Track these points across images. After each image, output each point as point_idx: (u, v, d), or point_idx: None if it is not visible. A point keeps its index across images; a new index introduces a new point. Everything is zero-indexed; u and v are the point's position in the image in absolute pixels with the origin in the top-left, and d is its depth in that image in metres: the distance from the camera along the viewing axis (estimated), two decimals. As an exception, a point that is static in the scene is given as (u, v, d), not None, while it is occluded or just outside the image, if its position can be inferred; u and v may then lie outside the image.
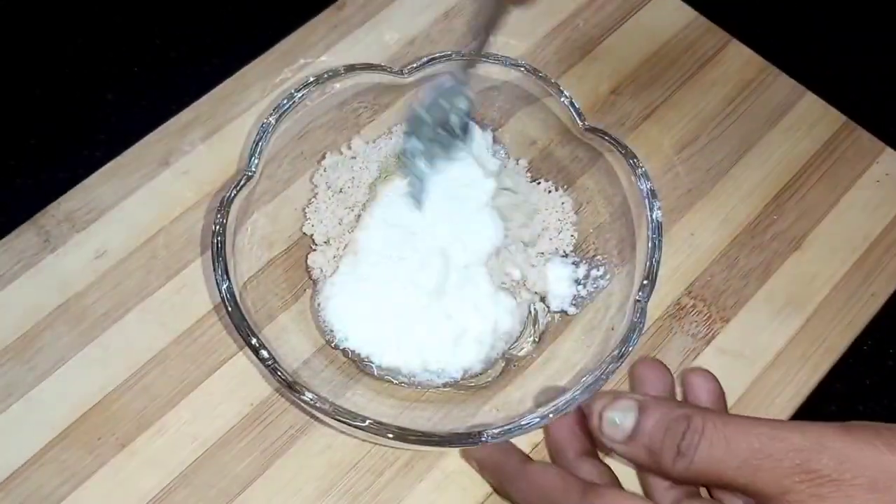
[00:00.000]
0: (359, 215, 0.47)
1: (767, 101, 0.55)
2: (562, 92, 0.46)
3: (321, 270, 0.46)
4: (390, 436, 0.38)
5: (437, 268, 0.44)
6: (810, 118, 0.54)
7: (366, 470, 0.44)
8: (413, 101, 0.46)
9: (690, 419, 0.34)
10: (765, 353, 0.48)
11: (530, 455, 0.42)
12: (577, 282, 0.47)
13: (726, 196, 0.52)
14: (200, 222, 0.49)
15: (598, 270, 0.47)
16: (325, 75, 0.45)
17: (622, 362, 0.39)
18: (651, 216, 0.43)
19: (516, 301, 0.45)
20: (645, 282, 0.42)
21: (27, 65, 0.57)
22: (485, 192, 0.46)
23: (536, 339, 0.46)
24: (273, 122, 0.44)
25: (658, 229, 0.43)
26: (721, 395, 0.40)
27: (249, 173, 0.43)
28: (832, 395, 0.49)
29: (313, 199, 0.48)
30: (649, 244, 0.42)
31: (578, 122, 0.46)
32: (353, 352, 0.44)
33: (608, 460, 0.40)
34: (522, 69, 0.47)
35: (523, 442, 0.44)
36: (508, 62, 0.47)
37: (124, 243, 0.48)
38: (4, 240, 0.48)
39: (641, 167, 0.44)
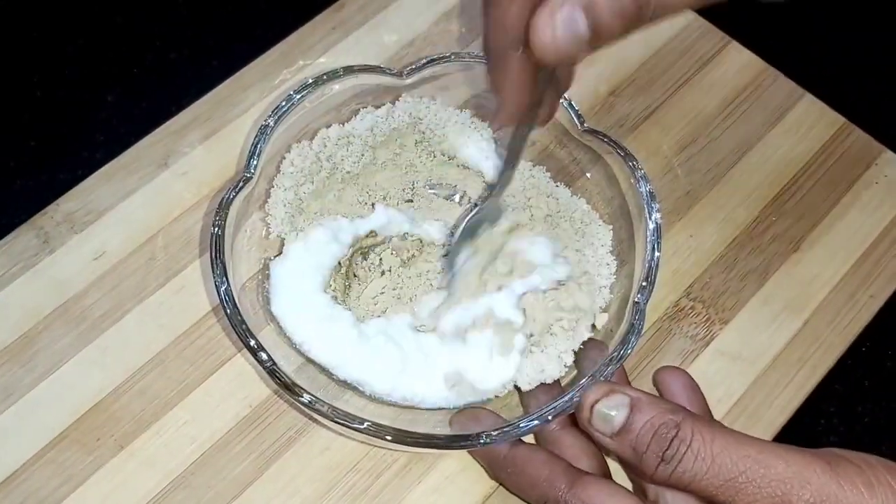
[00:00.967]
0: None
1: (766, 102, 0.55)
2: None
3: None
4: (388, 438, 0.38)
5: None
6: (809, 120, 0.54)
7: (364, 472, 0.44)
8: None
9: (680, 427, 0.34)
10: (764, 354, 0.48)
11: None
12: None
13: (725, 198, 0.52)
14: (199, 224, 0.49)
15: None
16: (324, 77, 0.45)
17: (620, 363, 0.39)
18: (650, 218, 0.43)
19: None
20: (644, 283, 0.42)
21: (27, 66, 0.57)
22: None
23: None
24: (272, 123, 0.44)
25: (657, 231, 0.43)
26: (695, 387, 0.40)
27: (248, 175, 0.43)
28: (831, 396, 0.49)
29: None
30: (648, 246, 0.42)
31: (577, 123, 0.46)
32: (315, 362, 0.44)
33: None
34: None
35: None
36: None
37: (123, 245, 0.48)
38: (3, 241, 0.48)
39: (641, 169, 0.44)
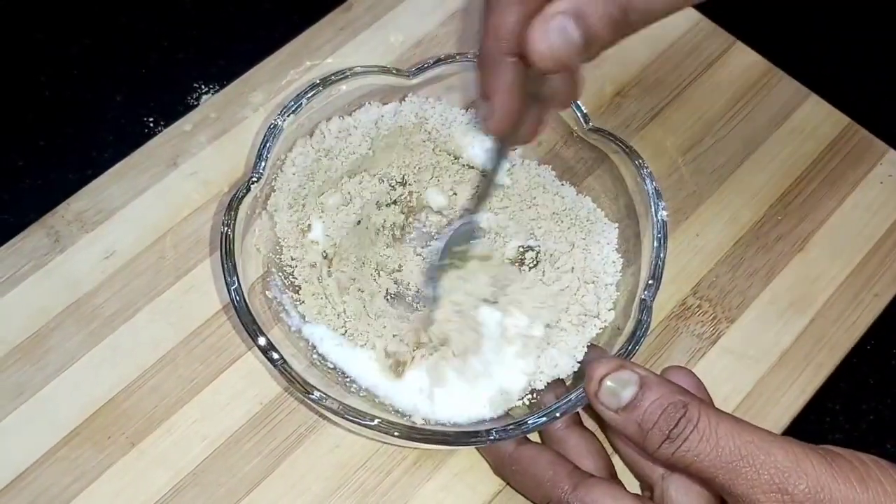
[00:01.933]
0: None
1: (772, 103, 0.55)
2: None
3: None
4: (397, 434, 0.38)
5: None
6: (814, 120, 0.54)
7: (374, 469, 0.44)
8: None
9: (688, 408, 0.35)
10: (770, 352, 0.48)
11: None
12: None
13: (731, 197, 0.52)
14: (209, 223, 0.50)
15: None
16: (332, 77, 0.46)
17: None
18: (656, 216, 0.43)
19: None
20: (651, 281, 0.42)
21: (35, 66, 0.57)
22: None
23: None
24: (280, 124, 0.44)
25: (663, 229, 0.43)
26: (700, 387, 0.40)
27: (257, 175, 0.43)
28: (836, 394, 0.49)
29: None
30: (654, 244, 0.43)
31: (583, 123, 0.46)
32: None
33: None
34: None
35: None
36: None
37: (133, 244, 0.49)
38: (14, 240, 0.49)
39: (646, 168, 0.44)
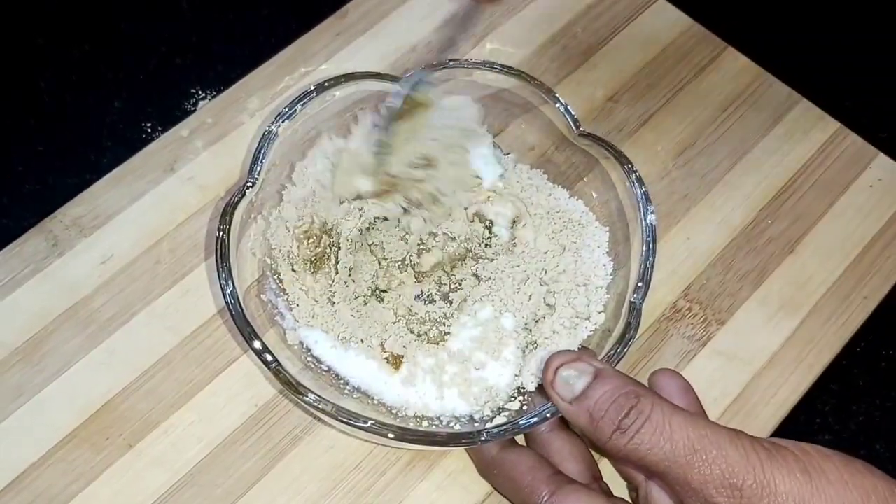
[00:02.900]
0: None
1: (762, 107, 0.56)
2: (558, 99, 0.47)
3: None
4: (391, 436, 0.39)
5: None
6: (804, 125, 0.55)
7: (368, 470, 0.45)
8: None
9: (640, 399, 0.35)
10: (760, 354, 0.48)
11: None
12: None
13: (722, 201, 0.53)
14: (205, 227, 0.50)
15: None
16: (327, 83, 0.46)
17: (617, 363, 0.40)
18: (645, 220, 0.44)
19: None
20: (640, 284, 0.42)
21: (35, 71, 0.58)
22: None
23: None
24: (275, 129, 0.45)
25: (652, 232, 0.43)
26: (689, 390, 0.41)
27: (252, 180, 0.44)
28: (827, 395, 0.50)
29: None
30: (644, 247, 0.43)
31: (574, 128, 0.47)
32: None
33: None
34: (519, 77, 0.48)
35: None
36: (506, 70, 0.48)
37: (130, 248, 0.49)
38: (13, 244, 0.49)
39: (635, 171, 0.45)
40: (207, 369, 0.46)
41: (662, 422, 0.34)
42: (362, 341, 0.45)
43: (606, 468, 0.43)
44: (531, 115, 0.50)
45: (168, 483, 0.44)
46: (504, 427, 0.39)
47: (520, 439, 0.44)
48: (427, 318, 0.46)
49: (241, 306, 0.41)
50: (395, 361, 0.45)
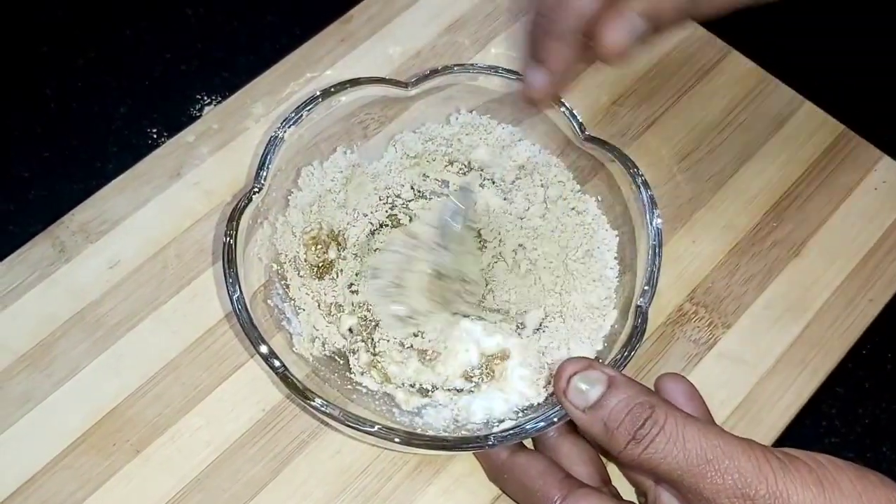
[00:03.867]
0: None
1: (767, 110, 0.56)
2: (562, 103, 0.47)
3: None
4: (398, 440, 0.39)
5: None
6: (809, 127, 0.55)
7: (375, 474, 0.45)
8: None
9: (654, 409, 0.35)
10: (766, 357, 0.48)
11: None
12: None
13: (727, 204, 0.53)
14: (211, 233, 0.50)
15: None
16: (331, 89, 0.46)
17: (624, 366, 0.40)
18: (651, 224, 0.44)
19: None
20: (646, 287, 0.42)
21: (41, 78, 0.58)
22: None
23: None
24: (281, 135, 0.45)
25: (658, 236, 0.43)
26: (695, 394, 0.41)
27: (258, 186, 0.44)
28: (832, 399, 0.50)
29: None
30: (650, 251, 0.43)
31: (579, 132, 0.47)
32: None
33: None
34: (525, 81, 0.48)
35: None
36: (511, 74, 0.48)
37: (137, 254, 0.50)
38: (20, 250, 0.49)
39: (641, 175, 0.45)
40: (214, 374, 0.46)
41: (676, 431, 0.34)
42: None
43: (613, 471, 0.43)
44: (536, 119, 0.50)
45: (175, 488, 0.44)
46: (511, 431, 0.39)
47: (528, 443, 0.44)
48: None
49: (248, 312, 0.41)
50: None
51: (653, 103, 0.55)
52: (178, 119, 0.56)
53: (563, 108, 0.47)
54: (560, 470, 0.40)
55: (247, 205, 0.43)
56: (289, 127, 0.45)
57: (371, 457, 0.45)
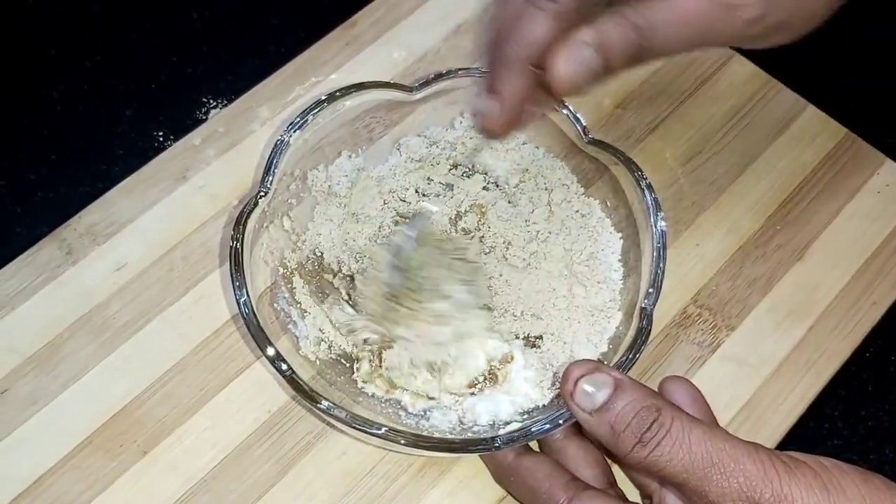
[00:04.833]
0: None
1: (770, 114, 0.56)
2: (566, 106, 0.47)
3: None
4: (404, 442, 0.39)
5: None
6: (812, 131, 0.55)
7: (380, 476, 0.45)
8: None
9: (661, 412, 0.35)
10: (769, 360, 0.49)
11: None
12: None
13: (730, 207, 0.53)
14: (217, 235, 0.51)
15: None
16: (337, 93, 0.47)
17: (629, 368, 0.40)
18: (655, 226, 0.44)
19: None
20: (650, 290, 0.43)
21: (48, 82, 0.59)
22: None
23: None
24: (287, 139, 0.45)
25: (662, 238, 0.44)
26: (698, 397, 0.41)
27: (264, 190, 0.44)
28: (836, 401, 0.50)
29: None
30: (654, 253, 0.43)
31: (583, 135, 0.47)
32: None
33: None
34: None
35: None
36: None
37: (144, 256, 0.50)
38: (27, 253, 0.50)
39: (645, 178, 0.45)
40: (221, 375, 0.47)
41: (682, 435, 0.34)
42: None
43: (617, 473, 0.43)
44: (540, 122, 0.50)
45: (182, 489, 0.44)
46: (517, 433, 0.39)
47: (534, 445, 0.44)
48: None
49: (255, 315, 0.41)
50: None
51: (656, 107, 0.56)
52: (184, 122, 0.56)
53: (566, 112, 0.47)
54: (566, 472, 0.40)
55: (253, 209, 0.44)
56: (294, 131, 0.46)
57: (376, 458, 0.45)
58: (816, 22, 0.40)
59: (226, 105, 0.56)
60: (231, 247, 0.42)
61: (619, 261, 0.48)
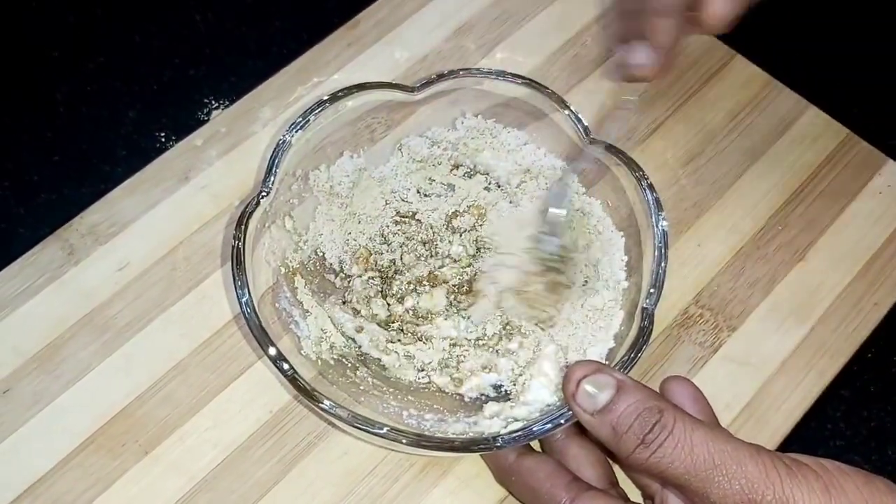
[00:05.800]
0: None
1: (771, 115, 0.56)
2: (568, 107, 0.47)
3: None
4: (405, 442, 0.39)
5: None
6: (813, 132, 0.55)
7: (382, 476, 0.45)
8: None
9: (663, 413, 0.35)
10: (771, 360, 0.49)
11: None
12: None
13: (731, 208, 0.53)
14: (219, 235, 0.51)
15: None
16: (339, 93, 0.47)
17: (630, 368, 0.40)
18: (657, 226, 0.44)
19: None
20: (652, 290, 0.43)
21: (51, 83, 0.59)
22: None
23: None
24: (288, 139, 0.45)
25: (664, 238, 0.44)
26: (700, 397, 0.41)
27: (266, 190, 0.44)
28: (838, 402, 0.50)
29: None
30: (655, 253, 0.43)
31: (584, 136, 0.47)
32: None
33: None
34: (530, 85, 0.48)
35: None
36: (517, 79, 0.48)
37: (146, 256, 0.50)
38: (30, 253, 0.50)
39: (647, 178, 0.45)
40: (222, 375, 0.47)
41: (684, 436, 0.35)
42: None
43: (618, 473, 0.43)
44: (542, 122, 0.50)
45: (183, 489, 0.44)
46: (519, 433, 0.39)
47: (535, 445, 0.44)
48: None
49: (256, 316, 0.41)
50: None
51: (658, 107, 0.56)
52: (186, 123, 0.56)
53: (568, 112, 0.47)
54: (567, 472, 0.40)
55: (255, 209, 0.44)
56: (296, 131, 0.46)
57: (378, 458, 0.45)
58: None
59: (228, 106, 0.56)
60: (233, 246, 0.42)
61: (621, 260, 0.48)
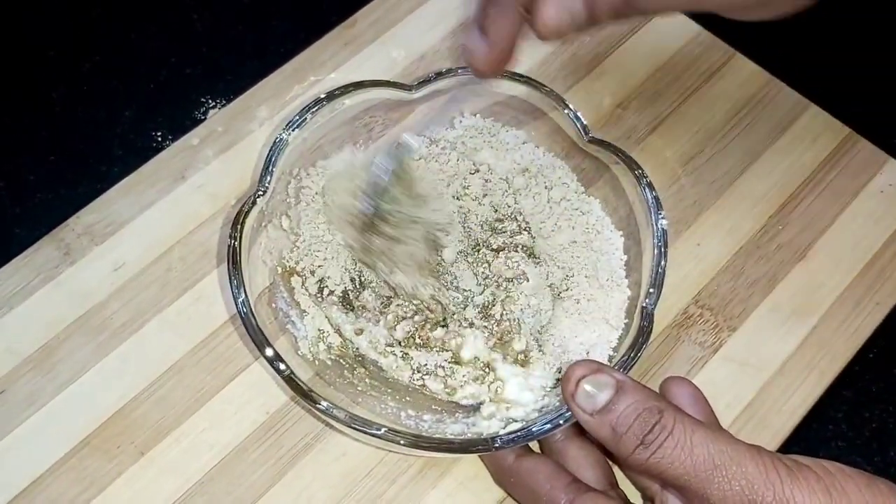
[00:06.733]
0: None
1: (771, 113, 0.56)
2: (567, 105, 0.47)
3: None
4: (403, 442, 0.39)
5: None
6: (814, 130, 0.55)
7: (380, 477, 0.45)
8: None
9: (663, 414, 0.35)
10: (772, 361, 0.48)
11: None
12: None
13: (731, 207, 0.53)
14: (216, 235, 0.50)
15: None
16: (335, 92, 0.46)
17: (630, 368, 0.40)
18: (656, 225, 0.44)
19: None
20: (651, 289, 0.42)
21: (47, 83, 0.59)
22: None
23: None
24: (285, 138, 0.45)
25: (663, 237, 0.43)
26: (700, 397, 0.41)
27: (263, 189, 0.44)
28: (839, 402, 0.50)
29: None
30: (655, 252, 0.43)
31: (583, 134, 0.47)
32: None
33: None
34: (529, 84, 0.48)
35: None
36: (515, 77, 0.48)
37: (142, 256, 0.50)
38: (25, 253, 0.50)
39: (646, 177, 0.45)
40: (219, 376, 0.46)
41: (684, 437, 0.34)
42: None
43: (618, 474, 0.43)
44: (540, 121, 0.50)
45: (180, 490, 0.44)
46: (518, 434, 0.39)
47: (534, 447, 0.44)
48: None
49: (253, 316, 0.41)
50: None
51: (657, 106, 0.55)
52: (182, 122, 0.56)
53: (567, 111, 0.47)
54: (567, 473, 0.40)
55: (251, 208, 0.43)
56: (293, 130, 0.45)
57: (376, 459, 0.45)
58: (801, 3, 0.40)
59: (224, 105, 0.56)
60: (229, 246, 0.42)
61: (621, 260, 0.47)
